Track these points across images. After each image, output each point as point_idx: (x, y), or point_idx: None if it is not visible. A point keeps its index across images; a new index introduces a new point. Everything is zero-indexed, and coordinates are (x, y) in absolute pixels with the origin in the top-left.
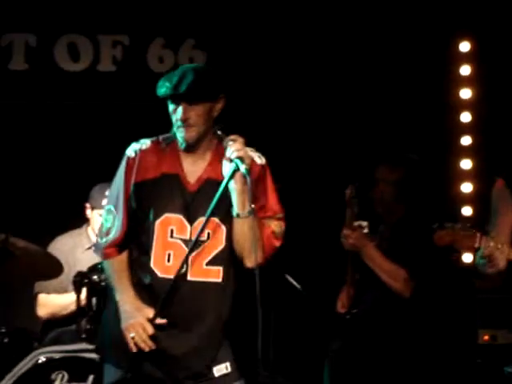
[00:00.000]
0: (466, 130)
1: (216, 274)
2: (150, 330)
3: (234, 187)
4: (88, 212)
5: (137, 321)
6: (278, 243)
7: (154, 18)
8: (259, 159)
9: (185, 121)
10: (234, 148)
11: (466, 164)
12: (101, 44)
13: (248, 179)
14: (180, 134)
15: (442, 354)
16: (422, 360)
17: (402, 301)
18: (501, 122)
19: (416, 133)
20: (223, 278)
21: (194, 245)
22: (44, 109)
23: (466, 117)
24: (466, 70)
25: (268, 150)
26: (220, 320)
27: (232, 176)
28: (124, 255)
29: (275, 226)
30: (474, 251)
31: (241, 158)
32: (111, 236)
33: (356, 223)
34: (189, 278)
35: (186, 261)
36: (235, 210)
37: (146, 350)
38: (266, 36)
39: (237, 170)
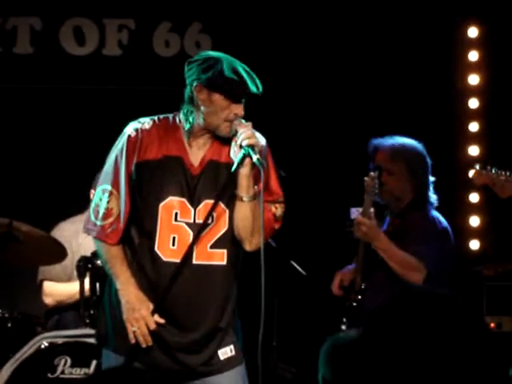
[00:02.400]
0: (474, 116)
1: (220, 257)
2: (153, 325)
3: (241, 171)
4: None
5: (140, 314)
6: (277, 226)
7: (160, 2)
8: (261, 139)
9: (239, 118)
10: (244, 135)
11: (474, 150)
12: (106, 28)
13: (261, 170)
14: (226, 128)
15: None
16: (429, 347)
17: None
18: (509, 108)
19: (423, 119)
20: (227, 261)
21: (203, 228)
22: (49, 93)
23: (473, 103)
24: (473, 55)
25: (272, 136)
26: (225, 304)
27: (241, 162)
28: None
29: (276, 209)
30: None
31: (252, 146)
32: (114, 218)
33: (361, 209)
34: (194, 261)
35: (194, 244)
36: (240, 193)
37: (144, 345)
38: (272, 21)
39: (246, 155)
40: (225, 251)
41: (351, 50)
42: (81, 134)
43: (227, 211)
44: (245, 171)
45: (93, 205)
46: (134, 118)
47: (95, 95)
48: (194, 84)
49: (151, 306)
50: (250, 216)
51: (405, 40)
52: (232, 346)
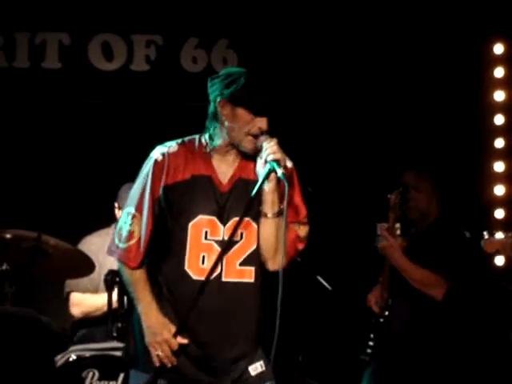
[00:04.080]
0: (500, 133)
1: (249, 275)
2: (175, 347)
3: (266, 187)
4: (117, 212)
5: (163, 338)
6: (301, 246)
7: (188, 18)
8: (287, 162)
9: (264, 133)
10: (270, 150)
11: (499, 166)
12: (134, 43)
13: (286, 184)
14: (249, 143)
15: (475, 355)
16: (455, 362)
17: (436, 304)
18: None
19: (450, 135)
20: (255, 279)
21: (228, 245)
22: (77, 108)
23: (499, 119)
24: (499, 72)
25: (298, 152)
26: (254, 321)
27: (267, 177)
28: (144, 264)
29: (301, 229)
30: None
31: (277, 161)
32: (135, 241)
33: (386, 225)
34: (223, 279)
35: (218, 262)
36: (264, 209)
37: (169, 366)
38: (298, 38)
39: (272, 171)
40: (253, 269)
41: (378, 68)
42: (108, 148)
43: (256, 228)
44: (270, 187)
45: (118, 227)
46: (162, 132)
47: (123, 110)
48: (218, 100)
49: (173, 329)
50: (273, 233)
51: (431, 57)
52: (262, 362)
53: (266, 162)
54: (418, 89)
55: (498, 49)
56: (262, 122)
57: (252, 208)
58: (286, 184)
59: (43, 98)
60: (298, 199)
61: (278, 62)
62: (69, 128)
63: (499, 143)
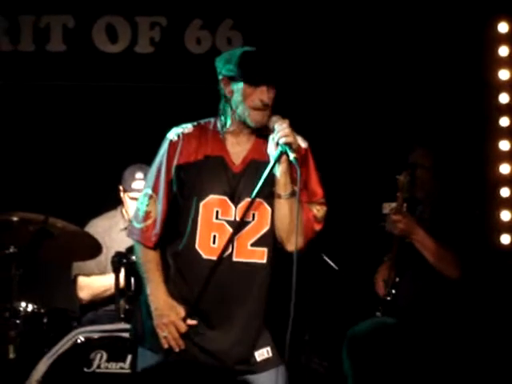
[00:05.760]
0: (505, 111)
1: (261, 255)
2: (183, 328)
3: (278, 168)
4: (122, 194)
5: (170, 320)
6: (318, 227)
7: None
8: (303, 142)
9: (267, 103)
10: (282, 132)
11: (505, 145)
12: (139, 25)
13: (298, 168)
14: (254, 117)
15: (481, 334)
16: (461, 339)
17: (447, 282)
18: None
19: (454, 114)
20: (267, 260)
21: (240, 225)
22: (82, 90)
23: (504, 98)
24: (504, 50)
25: (304, 132)
26: (262, 303)
27: (278, 159)
28: (158, 244)
29: (317, 210)
30: None
31: (289, 145)
32: (152, 221)
33: (393, 204)
34: (234, 258)
35: (231, 241)
36: (277, 190)
37: (176, 350)
38: (303, 17)
39: (283, 153)
40: (265, 250)
41: (383, 47)
42: (114, 130)
43: (269, 209)
44: (282, 168)
45: (136, 208)
46: (167, 114)
47: (127, 92)
48: (220, 78)
49: (182, 312)
50: (288, 214)
51: (435, 36)
52: (269, 348)
53: (277, 144)
54: (422, 68)
55: (503, 27)
56: (262, 94)
57: (264, 189)
58: (298, 169)
59: (48, 81)
60: (313, 180)
61: (283, 41)
62: (74, 111)
63: (504, 122)
